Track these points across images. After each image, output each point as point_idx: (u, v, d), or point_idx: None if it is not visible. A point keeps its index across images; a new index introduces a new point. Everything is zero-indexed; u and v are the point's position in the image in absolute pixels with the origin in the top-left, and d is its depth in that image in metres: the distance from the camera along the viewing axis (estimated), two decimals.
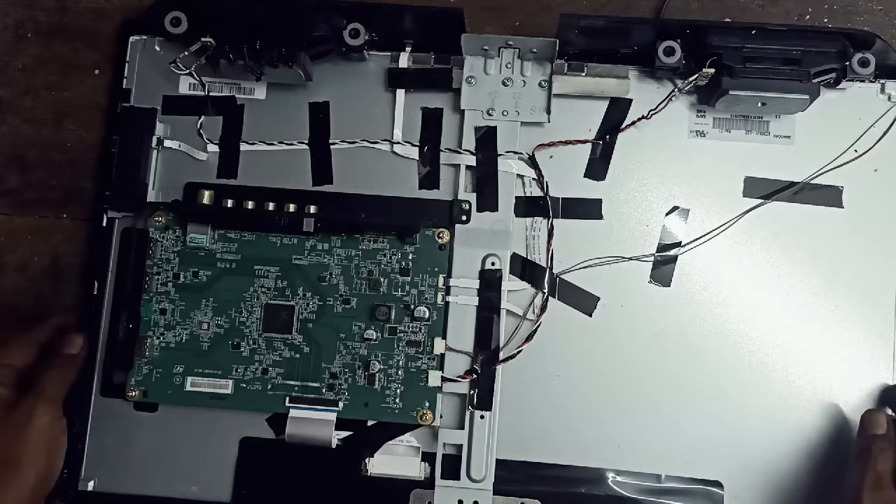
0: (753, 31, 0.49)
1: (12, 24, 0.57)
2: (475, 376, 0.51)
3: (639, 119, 0.53)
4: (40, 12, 0.58)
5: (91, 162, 0.56)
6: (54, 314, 0.52)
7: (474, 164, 0.53)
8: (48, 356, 0.49)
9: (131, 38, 0.55)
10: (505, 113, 0.53)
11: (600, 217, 0.53)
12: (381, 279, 0.52)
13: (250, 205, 0.53)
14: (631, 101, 0.53)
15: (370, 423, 0.52)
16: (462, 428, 0.51)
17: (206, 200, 0.53)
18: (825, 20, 0.55)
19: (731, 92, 0.49)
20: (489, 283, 0.52)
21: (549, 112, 0.53)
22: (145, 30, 0.55)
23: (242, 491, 0.52)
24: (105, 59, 0.57)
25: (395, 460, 0.52)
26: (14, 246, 0.56)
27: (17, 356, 0.48)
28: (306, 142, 0.54)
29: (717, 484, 0.51)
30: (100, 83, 0.57)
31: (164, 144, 0.54)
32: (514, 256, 0.53)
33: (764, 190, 0.53)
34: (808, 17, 0.55)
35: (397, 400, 0.51)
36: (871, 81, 0.53)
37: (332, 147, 0.54)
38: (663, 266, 0.53)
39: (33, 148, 0.56)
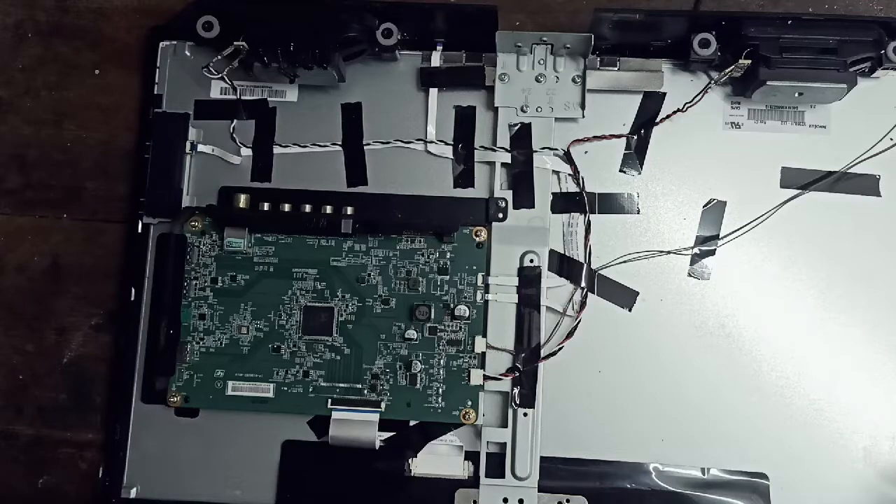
0: (790, 22, 0.49)
1: (12, 24, 0.57)
2: (517, 374, 0.51)
3: (674, 112, 0.53)
4: (40, 12, 0.57)
5: (91, 162, 0.56)
6: None
7: (509, 161, 0.53)
8: None
9: (161, 44, 0.55)
10: (539, 109, 0.53)
11: (637, 211, 0.53)
12: (420, 279, 0.52)
13: (287, 207, 0.52)
14: (665, 94, 0.53)
15: (412, 423, 0.52)
16: (505, 426, 0.51)
17: (242, 204, 0.53)
18: None
19: (769, 83, 0.49)
20: (528, 281, 0.52)
21: (583, 107, 0.53)
22: (174, 35, 0.55)
23: (286, 494, 0.52)
24: (105, 59, 0.57)
25: (438, 460, 0.52)
26: (14, 246, 0.56)
27: None
28: (339, 143, 0.54)
29: (763, 476, 0.51)
30: (100, 83, 0.56)
31: (198, 149, 0.54)
32: (552, 253, 0.53)
33: (801, 180, 0.53)
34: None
35: (439, 399, 0.51)
36: None
37: (365, 148, 0.54)
38: (701, 259, 0.53)
39: (33, 148, 0.56)
